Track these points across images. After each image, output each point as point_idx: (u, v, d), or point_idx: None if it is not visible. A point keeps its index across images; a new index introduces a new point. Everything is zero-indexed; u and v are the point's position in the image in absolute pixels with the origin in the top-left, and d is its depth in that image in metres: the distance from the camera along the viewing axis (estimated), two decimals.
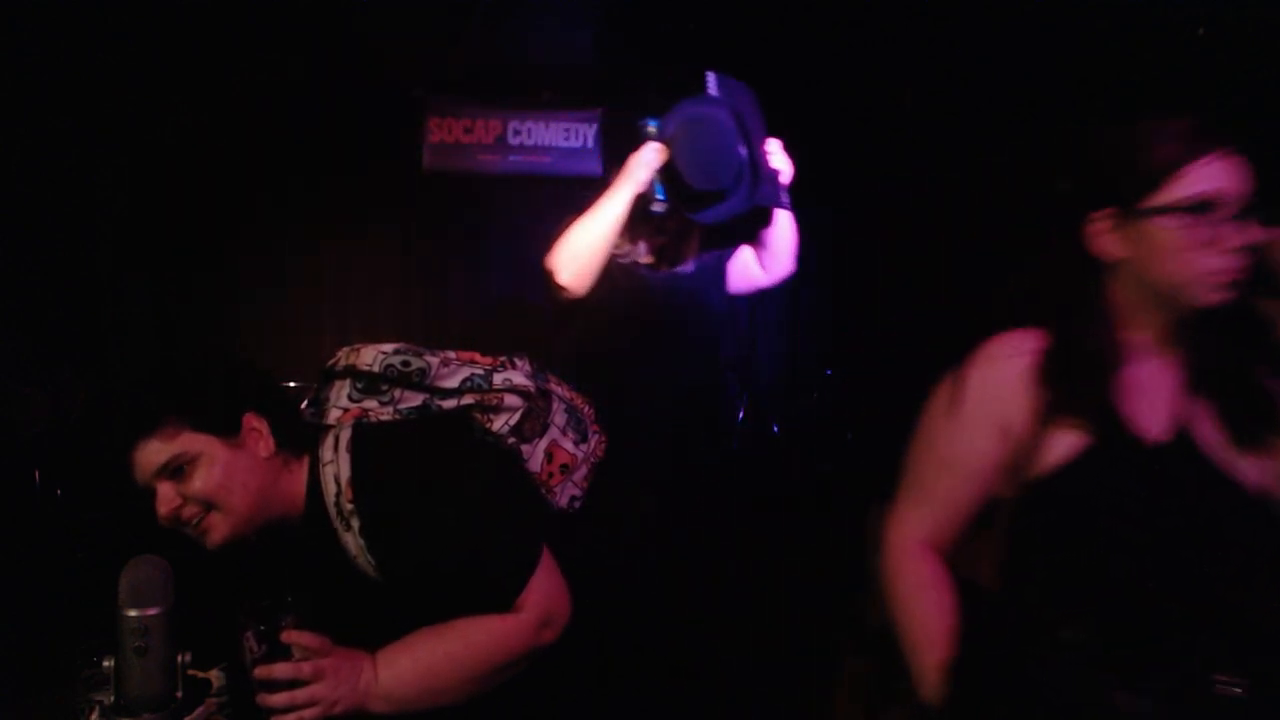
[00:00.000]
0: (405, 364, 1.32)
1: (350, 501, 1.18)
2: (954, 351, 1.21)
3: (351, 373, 1.32)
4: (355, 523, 1.18)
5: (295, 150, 4.57)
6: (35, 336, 4.08)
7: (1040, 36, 3.89)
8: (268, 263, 4.61)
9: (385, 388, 1.30)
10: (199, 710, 1.11)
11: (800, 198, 2.14)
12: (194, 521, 1.16)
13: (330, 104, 4.59)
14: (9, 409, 3.80)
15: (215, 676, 1.21)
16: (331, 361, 1.35)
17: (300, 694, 1.07)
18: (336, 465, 1.20)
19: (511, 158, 5.01)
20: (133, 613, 1.01)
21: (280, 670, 1.07)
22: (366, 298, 4.76)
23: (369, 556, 1.18)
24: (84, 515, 3.56)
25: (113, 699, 1.03)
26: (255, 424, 1.21)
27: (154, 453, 1.13)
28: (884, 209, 5.17)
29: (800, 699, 2.59)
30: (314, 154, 4.59)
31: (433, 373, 1.32)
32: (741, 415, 4.70)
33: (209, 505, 1.15)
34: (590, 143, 5.09)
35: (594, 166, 5.10)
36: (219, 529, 1.16)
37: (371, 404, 1.29)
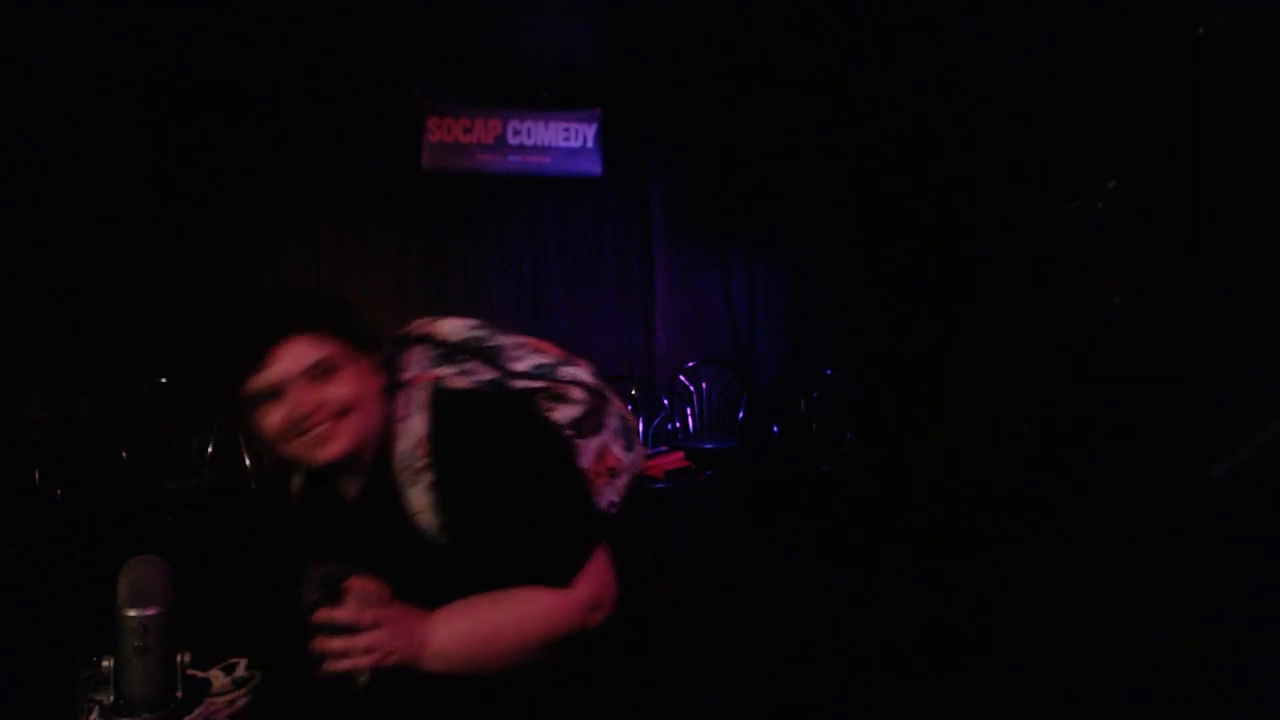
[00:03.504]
0: (484, 339, 1.35)
1: (424, 456, 1.19)
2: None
3: (430, 340, 1.35)
4: (425, 478, 1.19)
5: (295, 150, 4.58)
6: (36, 338, 4.08)
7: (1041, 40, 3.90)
8: (267, 263, 4.61)
9: (463, 358, 1.32)
10: (199, 710, 1.11)
11: (800, 196, 2.14)
12: (318, 429, 1.17)
13: (330, 104, 4.60)
14: (10, 410, 3.81)
15: (215, 676, 1.21)
16: (405, 330, 1.38)
17: (358, 640, 1.06)
18: (411, 421, 1.22)
19: (511, 157, 5.01)
20: (133, 613, 1.01)
21: (341, 614, 1.06)
22: (366, 297, 4.76)
23: (433, 514, 1.18)
24: (84, 515, 3.57)
25: (113, 699, 1.03)
26: (376, 358, 1.26)
27: (305, 352, 1.16)
28: (883, 208, 5.17)
29: (800, 697, 2.59)
30: (314, 154, 4.60)
31: (506, 353, 1.35)
32: (741, 415, 4.71)
33: (342, 412, 1.18)
34: (590, 143, 5.10)
35: (594, 166, 5.11)
36: (342, 438, 1.18)
37: (447, 371, 1.30)
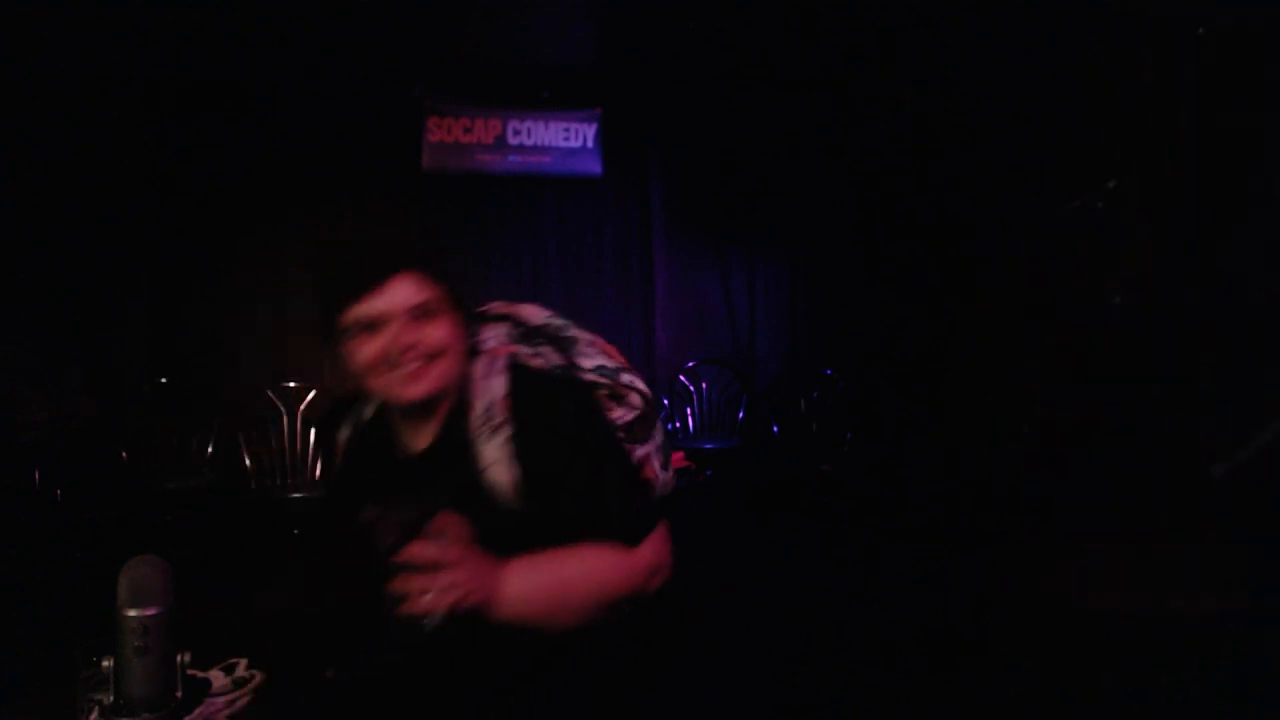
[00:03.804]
0: (561, 329, 1.42)
1: (503, 413, 1.24)
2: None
3: (510, 319, 1.41)
4: (503, 432, 1.23)
5: (295, 150, 4.58)
6: (36, 338, 4.08)
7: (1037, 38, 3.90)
8: (267, 262, 4.61)
9: (538, 341, 1.38)
10: (199, 710, 1.11)
11: (800, 196, 2.14)
12: (409, 366, 1.22)
13: (330, 104, 4.60)
14: (10, 410, 3.81)
15: (215, 676, 1.21)
16: (485, 307, 1.44)
17: (439, 578, 1.06)
18: (490, 381, 1.28)
19: (511, 157, 5.01)
20: (133, 613, 1.01)
21: (422, 551, 1.06)
22: None
23: (506, 468, 1.22)
24: (84, 515, 3.57)
25: (112, 699, 1.03)
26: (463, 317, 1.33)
27: (413, 290, 1.23)
28: (883, 208, 5.17)
29: (800, 696, 2.59)
30: (314, 154, 4.60)
31: (578, 347, 1.41)
32: (741, 415, 4.71)
33: (434, 355, 1.23)
34: (590, 142, 5.10)
35: (594, 166, 5.11)
36: (429, 380, 1.23)
37: (523, 349, 1.36)
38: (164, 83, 4.34)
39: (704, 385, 4.83)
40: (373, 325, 1.21)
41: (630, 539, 1.22)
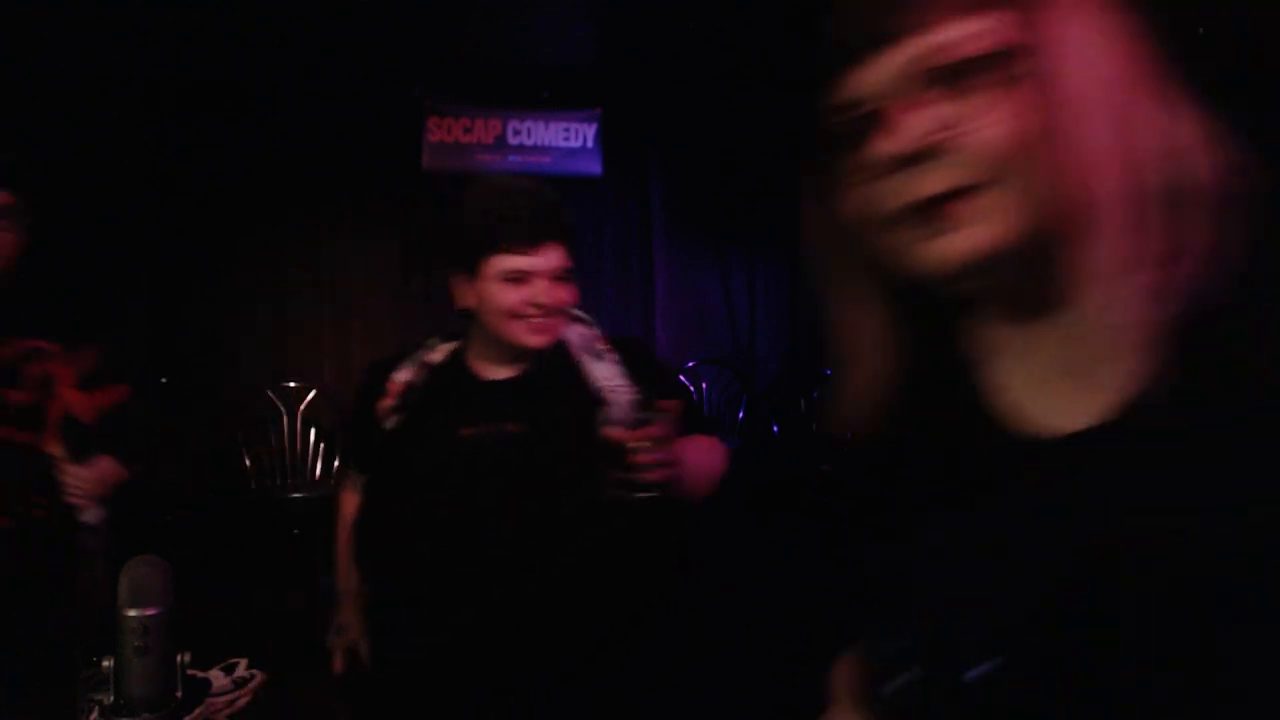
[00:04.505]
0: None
1: (604, 344, 1.50)
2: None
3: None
4: (609, 358, 1.48)
5: (295, 149, 4.58)
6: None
7: None
8: (268, 262, 4.61)
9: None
10: (199, 710, 1.11)
11: (800, 196, 2.14)
12: (540, 319, 1.38)
13: (330, 104, 4.60)
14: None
15: (215, 676, 1.21)
16: None
17: (662, 453, 1.19)
18: (576, 327, 1.51)
19: (511, 157, 5.01)
20: (133, 613, 1.01)
21: (657, 430, 1.18)
22: (366, 298, 4.77)
23: (627, 383, 1.43)
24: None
25: (112, 699, 1.03)
26: None
27: (561, 256, 1.39)
28: None
29: (799, 699, 2.59)
30: (314, 153, 4.60)
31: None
32: (741, 415, 4.71)
33: (561, 313, 1.42)
34: (590, 142, 5.10)
35: (594, 166, 5.11)
36: (551, 333, 1.41)
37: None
38: (164, 83, 4.34)
39: (704, 385, 4.84)
40: (520, 277, 1.35)
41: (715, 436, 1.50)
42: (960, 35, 0.55)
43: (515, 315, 1.36)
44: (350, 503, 1.56)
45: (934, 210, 0.57)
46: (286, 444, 3.99)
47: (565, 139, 5.08)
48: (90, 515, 1.68)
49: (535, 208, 1.38)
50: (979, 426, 0.63)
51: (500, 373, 1.46)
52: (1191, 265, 0.52)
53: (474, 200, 1.40)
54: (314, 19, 3.99)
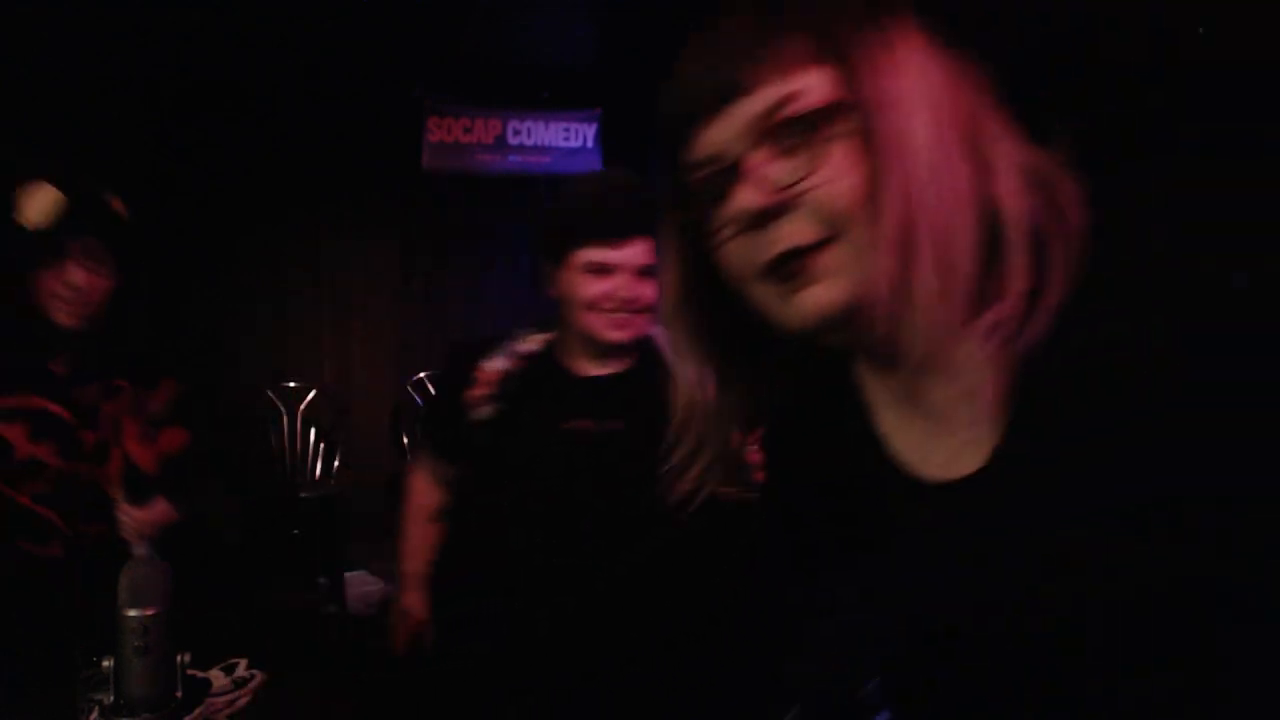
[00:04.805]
0: None
1: None
2: None
3: None
4: None
5: (295, 149, 4.58)
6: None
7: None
8: (268, 262, 4.61)
9: None
10: (199, 710, 1.11)
11: None
12: (623, 314, 1.37)
13: (330, 104, 4.60)
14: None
15: (215, 676, 1.21)
16: None
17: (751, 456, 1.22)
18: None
19: (511, 157, 5.01)
20: (133, 613, 1.01)
21: (758, 433, 1.21)
22: (366, 298, 4.77)
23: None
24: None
25: (112, 699, 1.03)
26: None
27: (647, 252, 1.36)
28: None
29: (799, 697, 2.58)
30: (314, 153, 4.60)
31: None
32: None
33: (644, 310, 1.39)
34: (590, 142, 5.10)
35: (594, 166, 5.10)
36: (634, 329, 1.40)
37: None
38: (164, 83, 4.34)
39: None
40: (605, 269, 1.35)
41: None
42: (803, 86, 0.56)
43: (594, 308, 1.36)
44: (421, 487, 1.55)
45: (793, 265, 0.57)
46: (286, 444, 3.99)
47: (565, 139, 5.08)
48: (139, 550, 1.69)
49: (624, 201, 1.36)
50: (874, 473, 0.64)
51: (596, 368, 1.45)
52: (1045, 300, 0.53)
53: (568, 191, 1.40)
54: (314, 19, 3.99)
